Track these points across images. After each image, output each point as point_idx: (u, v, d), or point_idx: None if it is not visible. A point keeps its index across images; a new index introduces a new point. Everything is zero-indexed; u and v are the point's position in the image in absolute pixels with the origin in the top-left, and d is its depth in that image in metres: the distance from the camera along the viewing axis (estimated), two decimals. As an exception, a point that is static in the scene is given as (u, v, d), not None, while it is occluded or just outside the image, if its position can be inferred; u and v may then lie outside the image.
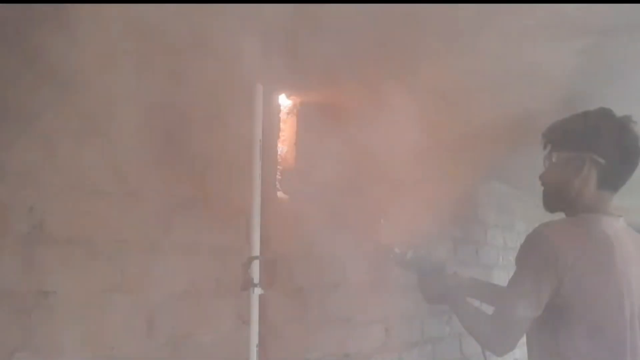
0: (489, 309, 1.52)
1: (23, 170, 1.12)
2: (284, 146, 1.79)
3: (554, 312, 1.34)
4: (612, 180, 1.43)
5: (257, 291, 1.56)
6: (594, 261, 1.33)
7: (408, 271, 1.84)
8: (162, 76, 1.42)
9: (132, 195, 1.31)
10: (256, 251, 1.58)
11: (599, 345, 1.33)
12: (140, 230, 1.32)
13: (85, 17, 1.24)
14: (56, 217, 1.16)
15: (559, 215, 1.51)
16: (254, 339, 1.54)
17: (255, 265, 1.57)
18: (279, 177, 1.75)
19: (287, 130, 1.80)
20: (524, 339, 1.46)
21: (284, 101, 1.80)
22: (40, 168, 1.14)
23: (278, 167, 1.75)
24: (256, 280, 1.56)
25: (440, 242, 2.69)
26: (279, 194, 1.74)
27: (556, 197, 1.49)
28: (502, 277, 3.33)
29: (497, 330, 1.40)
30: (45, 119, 1.16)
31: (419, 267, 1.78)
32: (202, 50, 1.44)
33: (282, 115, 1.80)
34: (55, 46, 1.19)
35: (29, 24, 1.16)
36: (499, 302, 1.47)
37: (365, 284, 2.05)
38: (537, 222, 1.45)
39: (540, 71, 1.65)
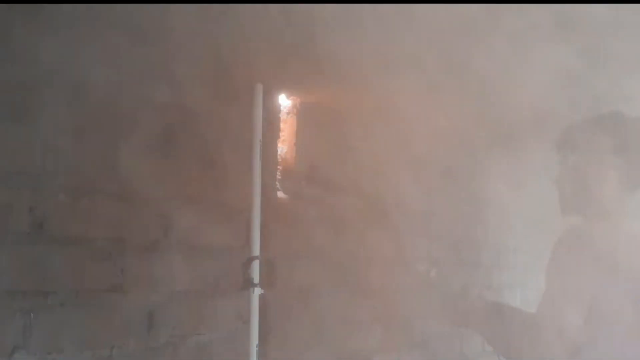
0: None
1: (23, 170, 1.12)
2: (284, 146, 1.79)
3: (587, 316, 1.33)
4: (630, 181, 1.43)
5: (257, 291, 1.56)
6: (622, 265, 1.33)
7: (431, 289, 1.79)
8: (162, 75, 1.42)
9: (132, 195, 1.31)
10: (256, 251, 1.58)
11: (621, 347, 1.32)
12: (140, 230, 1.32)
13: (84, 17, 1.24)
14: (56, 217, 1.16)
15: (575, 219, 1.50)
16: (254, 339, 1.54)
17: (255, 265, 1.57)
18: (279, 177, 1.75)
19: (287, 130, 1.80)
20: None
21: (284, 101, 1.80)
22: (40, 168, 1.14)
23: (278, 167, 1.75)
24: (256, 280, 1.56)
25: (458, 264, 2.68)
26: (279, 194, 1.74)
27: (573, 200, 1.49)
28: (502, 277, 3.33)
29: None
30: (45, 118, 1.16)
31: (442, 287, 1.73)
32: (203, 49, 1.44)
33: (282, 115, 1.80)
34: (57, 45, 1.20)
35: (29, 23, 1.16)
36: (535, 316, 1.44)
37: (365, 283, 2.05)
38: (537, 222, 1.46)
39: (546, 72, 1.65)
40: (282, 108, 1.79)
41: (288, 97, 1.80)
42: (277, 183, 1.74)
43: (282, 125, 1.79)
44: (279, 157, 1.76)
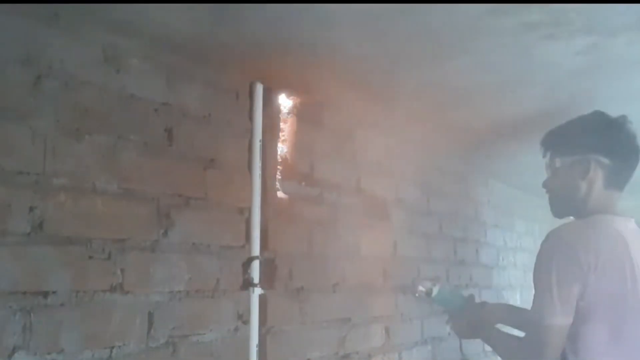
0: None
1: (23, 170, 1.12)
2: (284, 146, 1.79)
3: (576, 315, 1.32)
4: (617, 179, 1.43)
5: (257, 291, 1.56)
6: (612, 261, 1.31)
7: (436, 306, 1.80)
8: (163, 75, 1.42)
9: (132, 195, 1.31)
10: (256, 251, 1.58)
11: (619, 345, 1.32)
12: (140, 230, 1.32)
13: (81, 17, 1.24)
14: (56, 217, 1.16)
15: (568, 221, 1.49)
16: (254, 339, 1.54)
17: (255, 265, 1.57)
18: (279, 177, 1.75)
19: (287, 130, 1.80)
20: None
21: (284, 101, 1.80)
22: (40, 168, 1.14)
23: (278, 167, 1.75)
24: (256, 280, 1.56)
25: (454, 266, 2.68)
26: (279, 194, 1.74)
27: (564, 202, 1.48)
28: (502, 276, 3.33)
29: (535, 348, 1.36)
30: (45, 118, 1.16)
31: (446, 303, 1.75)
32: (203, 49, 1.44)
33: (282, 115, 1.80)
34: (56, 46, 1.20)
35: (29, 23, 1.16)
36: (531, 318, 1.40)
37: (364, 283, 2.06)
38: (537, 222, 1.45)
39: (540, 72, 1.65)
40: (282, 108, 1.79)
41: (288, 97, 1.80)
42: (277, 183, 1.74)
43: (282, 125, 1.79)
44: (279, 157, 1.76)
